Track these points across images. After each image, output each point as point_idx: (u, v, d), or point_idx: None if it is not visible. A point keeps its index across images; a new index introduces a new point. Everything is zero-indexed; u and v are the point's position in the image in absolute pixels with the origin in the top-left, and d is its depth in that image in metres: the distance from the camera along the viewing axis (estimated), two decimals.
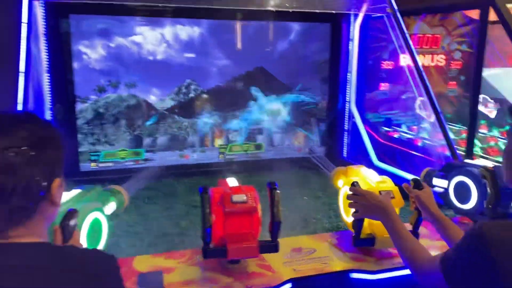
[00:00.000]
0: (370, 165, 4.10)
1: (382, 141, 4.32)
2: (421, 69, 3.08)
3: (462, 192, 2.24)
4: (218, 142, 4.79)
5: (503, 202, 2.02)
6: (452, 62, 5.35)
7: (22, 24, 2.18)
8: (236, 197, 1.63)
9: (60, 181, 0.91)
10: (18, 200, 0.83)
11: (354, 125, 4.39)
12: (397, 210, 1.89)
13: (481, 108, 4.75)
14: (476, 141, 4.21)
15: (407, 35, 3.08)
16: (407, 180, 1.99)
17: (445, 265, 1.18)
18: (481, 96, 4.74)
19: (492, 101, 4.83)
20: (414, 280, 1.36)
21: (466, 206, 2.26)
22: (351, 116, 4.40)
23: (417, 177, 1.85)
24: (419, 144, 4.03)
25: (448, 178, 2.25)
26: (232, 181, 1.82)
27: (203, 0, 2.98)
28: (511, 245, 1.01)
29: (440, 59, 5.29)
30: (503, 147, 3.88)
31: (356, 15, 3.64)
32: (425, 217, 1.77)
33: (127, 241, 2.97)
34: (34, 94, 2.38)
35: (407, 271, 1.72)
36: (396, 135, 4.30)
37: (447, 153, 3.20)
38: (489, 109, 4.77)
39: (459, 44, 5.41)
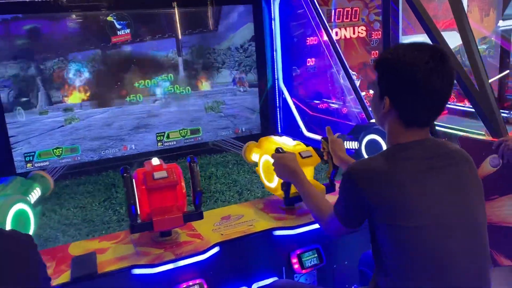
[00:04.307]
0: (301, 136, 4.34)
1: (311, 113, 4.56)
2: (334, 41, 3.29)
3: (373, 149, 2.48)
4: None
5: None
6: (372, 32, 5.67)
7: None
8: (158, 174, 1.73)
9: None
10: None
11: (285, 101, 4.60)
12: (311, 170, 2.10)
13: None
14: None
15: (320, 12, 3.27)
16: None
17: (336, 207, 1.40)
18: None
19: None
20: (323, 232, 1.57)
21: None
22: (281, 92, 4.59)
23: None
24: (345, 112, 4.32)
25: (358, 139, 2.49)
26: (155, 161, 1.91)
27: None
28: (369, 173, 1.27)
29: (361, 31, 5.59)
30: None
31: None
32: (336, 162, 2.01)
33: (65, 233, 2.97)
34: None
35: None
36: (324, 106, 4.56)
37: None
38: None
39: (377, 15, 5.74)
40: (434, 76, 1.22)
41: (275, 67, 4.44)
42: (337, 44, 3.39)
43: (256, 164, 2.28)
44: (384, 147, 2.46)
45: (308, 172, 2.05)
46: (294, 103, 4.45)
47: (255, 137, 4.61)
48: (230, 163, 4.20)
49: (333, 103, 4.45)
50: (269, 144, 2.20)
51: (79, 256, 1.76)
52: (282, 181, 1.99)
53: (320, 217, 1.54)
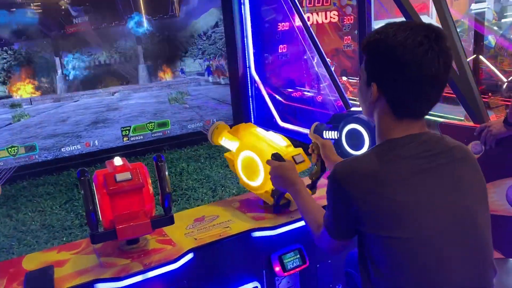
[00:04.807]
0: (276, 127, 4.22)
1: (285, 102, 4.44)
2: (308, 26, 3.16)
3: (355, 139, 2.38)
4: None
5: None
6: (345, 17, 5.59)
7: None
8: (120, 176, 1.57)
9: None
10: None
11: (257, 90, 4.46)
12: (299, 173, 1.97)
13: None
14: None
15: None
16: (307, 136, 2.06)
17: (324, 218, 1.28)
18: None
19: None
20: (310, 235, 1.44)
21: (360, 152, 2.41)
22: (253, 81, 4.45)
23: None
24: (320, 100, 4.23)
25: (338, 128, 2.38)
26: (118, 161, 1.74)
27: None
28: (357, 175, 1.16)
29: (333, 16, 5.50)
30: None
31: None
32: (328, 165, 1.89)
33: (21, 241, 2.74)
34: None
35: (302, 223, 1.83)
36: (298, 95, 4.45)
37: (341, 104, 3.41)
38: None
39: None
40: (429, 59, 1.10)
41: (246, 54, 4.28)
42: (311, 29, 3.26)
43: (225, 149, 2.12)
44: (366, 137, 2.37)
45: None
46: (268, 92, 4.32)
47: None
48: (202, 157, 4.04)
49: (307, 91, 4.35)
50: (251, 137, 2.03)
51: (33, 271, 1.59)
52: (272, 187, 1.85)
53: (315, 233, 1.41)
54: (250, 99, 4.55)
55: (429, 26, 1.14)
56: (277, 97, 4.44)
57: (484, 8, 5.53)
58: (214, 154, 4.02)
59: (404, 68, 1.11)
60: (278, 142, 1.96)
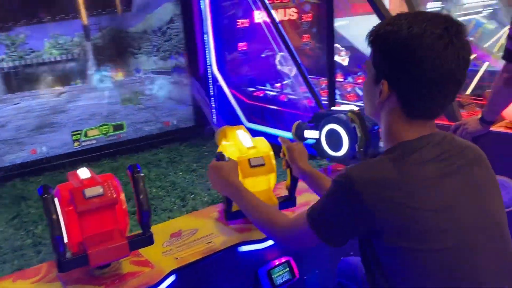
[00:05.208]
0: None
1: (248, 102, 4.32)
2: (278, 22, 3.05)
3: (334, 139, 2.28)
4: None
5: (373, 142, 2.08)
6: (303, 15, 5.56)
7: None
8: (90, 191, 1.37)
9: None
10: None
11: (220, 89, 4.30)
12: (267, 180, 1.81)
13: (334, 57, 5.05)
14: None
15: None
16: (277, 137, 1.93)
17: (313, 218, 1.18)
18: None
19: (343, 49, 5.17)
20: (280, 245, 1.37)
21: (339, 153, 2.31)
22: (215, 80, 4.29)
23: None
24: (285, 99, 4.15)
25: (318, 128, 2.27)
26: (84, 172, 1.53)
27: None
28: (373, 181, 1.06)
29: (292, 13, 5.45)
30: (360, 92, 4.16)
31: None
32: (295, 173, 1.76)
33: None
34: None
35: None
36: (261, 94, 4.33)
37: (312, 104, 3.33)
38: (342, 58, 5.11)
39: None
40: (450, 54, 1.02)
41: (207, 51, 4.11)
42: (280, 25, 3.15)
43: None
44: (345, 138, 2.27)
45: (263, 182, 1.78)
46: (231, 92, 4.18)
47: (188, 131, 4.28)
48: (163, 161, 3.82)
49: (275, 90, 4.25)
50: (231, 135, 1.90)
51: None
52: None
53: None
54: (212, 98, 4.38)
55: (448, 17, 1.06)
56: (242, 96, 4.30)
57: (439, 7, 5.72)
58: (176, 158, 3.81)
59: (421, 64, 1.03)
60: (244, 143, 1.82)
